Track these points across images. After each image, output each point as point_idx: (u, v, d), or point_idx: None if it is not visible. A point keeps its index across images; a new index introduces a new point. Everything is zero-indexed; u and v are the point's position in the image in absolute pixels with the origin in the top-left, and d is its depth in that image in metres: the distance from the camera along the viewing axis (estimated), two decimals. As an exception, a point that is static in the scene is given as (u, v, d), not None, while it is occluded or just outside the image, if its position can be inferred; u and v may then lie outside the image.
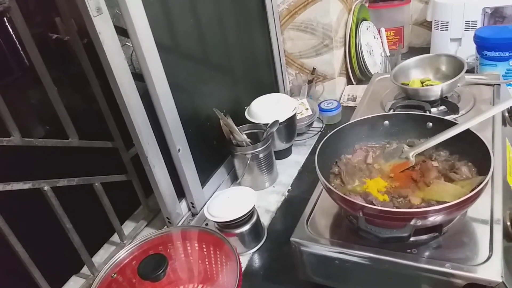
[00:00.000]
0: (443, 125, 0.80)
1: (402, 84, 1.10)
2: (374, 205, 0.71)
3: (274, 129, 1.10)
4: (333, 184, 0.80)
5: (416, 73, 1.14)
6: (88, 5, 0.72)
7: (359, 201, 0.71)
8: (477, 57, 1.32)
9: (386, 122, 0.88)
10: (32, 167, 0.93)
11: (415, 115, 0.88)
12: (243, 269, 0.91)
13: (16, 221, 0.79)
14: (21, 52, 1.22)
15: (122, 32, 0.81)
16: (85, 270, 0.95)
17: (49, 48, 1.24)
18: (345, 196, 0.69)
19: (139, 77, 0.86)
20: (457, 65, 1.06)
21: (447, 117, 0.99)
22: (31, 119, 1.41)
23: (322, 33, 1.35)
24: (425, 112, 0.91)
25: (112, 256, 0.84)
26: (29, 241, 0.81)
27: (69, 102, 1.24)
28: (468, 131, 0.76)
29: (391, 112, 0.94)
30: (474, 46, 1.33)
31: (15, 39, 1.18)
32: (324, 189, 0.76)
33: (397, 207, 0.72)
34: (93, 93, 0.90)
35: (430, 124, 0.84)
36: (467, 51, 1.45)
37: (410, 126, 0.86)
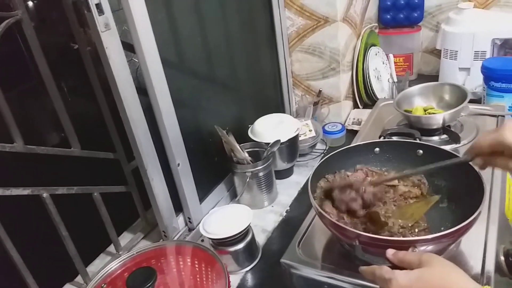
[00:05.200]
0: (433, 152, 0.81)
1: (405, 111, 1.10)
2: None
3: (275, 148, 1.11)
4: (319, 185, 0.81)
5: (419, 101, 1.14)
6: (97, 21, 0.74)
7: (353, 228, 0.71)
8: (484, 87, 1.32)
9: (377, 149, 0.88)
10: (33, 174, 0.95)
11: (405, 142, 0.88)
12: (234, 288, 0.91)
13: (14, 226, 0.81)
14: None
15: (129, 47, 0.83)
16: (79, 278, 0.95)
17: (69, 58, 1.27)
18: (339, 224, 0.68)
19: (143, 91, 0.88)
20: (460, 95, 1.06)
21: (448, 147, 1.00)
22: (42, 127, 1.44)
23: (330, 56, 1.37)
24: (415, 139, 0.92)
25: (105, 266, 0.84)
26: (26, 247, 0.82)
27: (84, 111, 1.27)
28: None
29: (381, 139, 0.94)
30: (482, 76, 1.33)
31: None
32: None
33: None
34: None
35: (421, 151, 0.84)
36: (476, 81, 1.44)
37: (401, 153, 0.87)
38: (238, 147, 1.08)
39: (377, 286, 0.62)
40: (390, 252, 0.60)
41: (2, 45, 0.72)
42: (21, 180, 0.79)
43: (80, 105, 1.34)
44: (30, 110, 1.38)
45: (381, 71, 1.62)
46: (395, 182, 0.84)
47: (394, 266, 0.58)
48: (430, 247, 0.65)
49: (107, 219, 0.96)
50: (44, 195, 0.81)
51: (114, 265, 0.82)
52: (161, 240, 1.03)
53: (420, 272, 0.54)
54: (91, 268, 1.00)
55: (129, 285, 0.72)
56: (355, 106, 1.57)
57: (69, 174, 1.06)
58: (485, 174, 0.72)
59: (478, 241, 0.73)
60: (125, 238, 1.07)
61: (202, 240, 1.02)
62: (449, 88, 1.11)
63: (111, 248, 1.03)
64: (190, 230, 1.07)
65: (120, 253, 1.01)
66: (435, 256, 0.56)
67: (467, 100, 1.01)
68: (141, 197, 1.05)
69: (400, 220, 0.73)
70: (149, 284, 0.72)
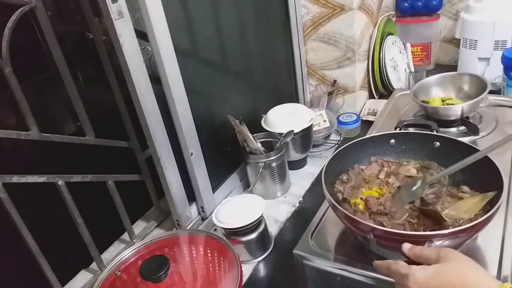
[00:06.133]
0: (450, 144, 0.78)
1: (422, 101, 1.08)
2: (384, 226, 0.69)
3: (288, 139, 1.10)
4: (336, 190, 0.79)
5: (437, 91, 1.12)
6: (110, 9, 0.74)
7: (369, 222, 0.69)
8: (504, 78, 1.28)
9: (393, 140, 0.86)
10: (49, 163, 0.96)
11: (421, 134, 0.86)
12: (247, 278, 0.91)
13: (31, 214, 0.82)
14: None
15: (142, 35, 0.83)
16: (94, 265, 0.97)
17: (85, 47, 1.28)
18: (354, 217, 0.67)
19: (156, 80, 0.88)
20: (480, 85, 1.03)
21: (467, 138, 0.98)
22: (59, 116, 1.46)
23: (345, 45, 1.34)
24: (432, 131, 0.90)
25: (119, 254, 0.85)
26: (42, 234, 0.83)
27: (100, 100, 1.27)
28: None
29: (397, 130, 0.93)
30: (502, 66, 1.30)
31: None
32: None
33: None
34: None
35: (437, 143, 0.83)
36: (496, 72, 1.40)
37: (417, 145, 0.85)
38: (251, 137, 1.08)
39: (392, 280, 0.62)
40: (406, 247, 0.58)
41: (19, 34, 0.73)
42: (37, 168, 0.80)
43: (95, 94, 1.35)
44: (47, 99, 1.39)
45: (398, 60, 1.58)
46: (413, 173, 0.83)
47: (410, 261, 0.57)
48: (446, 242, 0.64)
49: (121, 208, 0.97)
50: (60, 182, 0.82)
51: (128, 253, 0.82)
52: (174, 228, 1.04)
53: (438, 268, 0.53)
54: (106, 255, 1.01)
55: (142, 273, 0.73)
56: (371, 96, 1.55)
57: (84, 162, 1.07)
58: (504, 166, 0.70)
59: (496, 235, 0.72)
60: (139, 226, 1.08)
61: (215, 230, 1.03)
62: (469, 79, 1.08)
63: (125, 235, 1.05)
64: (203, 219, 1.08)
65: (134, 241, 1.02)
66: (454, 252, 0.54)
67: (487, 91, 0.99)
68: (154, 185, 1.06)
69: (454, 212, 0.71)
70: (162, 272, 0.73)
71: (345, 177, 0.83)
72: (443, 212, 0.71)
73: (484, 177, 0.74)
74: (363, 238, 0.71)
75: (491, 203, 0.69)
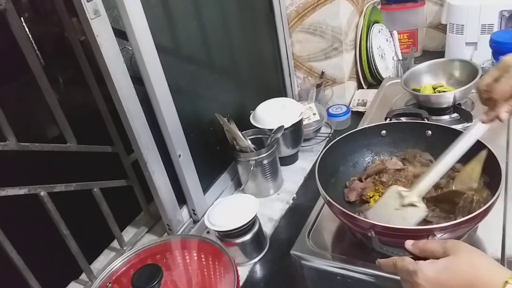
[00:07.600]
0: (442, 132, 0.77)
1: (413, 89, 1.06)
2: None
3: (279, 135, 1.07)
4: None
5: (428, 79, 1.10)
6: (85, 8, 0.70)
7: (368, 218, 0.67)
8: (493, 62, 1.27)
9: (384, 131, 0.84)
10: (31, 172, 0.92)
11: (413, 123, 0.85)
12: (243, 280, 0.88)
13: (16, 226, 0.78)
14: (37, 52, 1.21)
15: (121, 34, 0.79)
16: (84, 276, 0.93)
17: (64, 49, 1.23)
18: (352, 214, 0.65)
19: (138, 80, 0.84)
20: (471, 71, 1.02)
21: (460, 126, 0.96)
22: (41, 121, 1.40)
23: (332, 36, 1.32)
24: (423, 119, 0.88)
25: (109, 264, 0.82)
26: (30, 246, 0.79)
27: (82, 103, 1.22)
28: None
29: (387, 121, 0.90)
30: (490, 50, 1.28)
31: (31, 39, 1.18)
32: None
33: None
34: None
35: (429, 132, 0.81)
36: (483, 56, 1.39)
37: (408, 135, 0.83)
38: (241, 135, 1.04)
39: (396, 277, 0.59)
40: (409, 243, 0.56)
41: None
42: (20, 175, 0.77)
43: (77, 96, 1.30)
44: (30, 102, 1.34)
45: (385, 49, 1.56)
46: (401, 165, 0.81)
47: (416, 258, 0.54)
48: (447, 235, 0.62)
49: (109, 215, 0.93)
50: (42, 193, 0.77)
51: (119, 262, 0.79)
52: (166, 234, 1.01)
53: (447, 262, 0.50)
54: (96, 265, 0.98)
55: (135, 284, 0.70)
56: (359, 86, 1.53)
57: (68, 166, 1.03)
58: (499, 152, 0.68)
59: (496, 225, 0.70)
60: (128, 233, 1.05)
61: (208, 232, 1.00)
62: (459, 64, 1.07)
63: (115, 243, 1.01)
64: (194, 222, 1.04)
65: (124, 248, 0.99)
66: (460, 243, 0.52)
67: (479, 76, 0.97)
68: (143, 189, 1.02)
69: (461, 185, 0.69)
70: (155, 282, 0.69)
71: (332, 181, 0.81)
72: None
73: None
74: (363, 236, 0.69)
75: (491, 190, 0.67)
